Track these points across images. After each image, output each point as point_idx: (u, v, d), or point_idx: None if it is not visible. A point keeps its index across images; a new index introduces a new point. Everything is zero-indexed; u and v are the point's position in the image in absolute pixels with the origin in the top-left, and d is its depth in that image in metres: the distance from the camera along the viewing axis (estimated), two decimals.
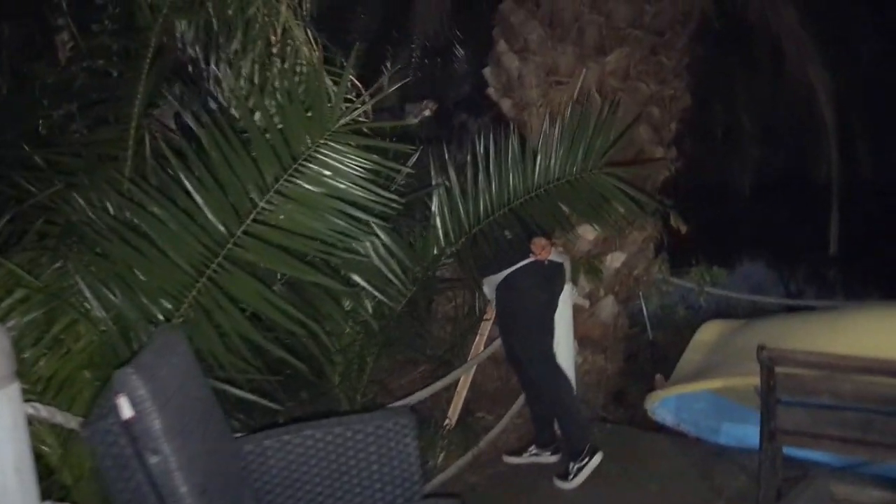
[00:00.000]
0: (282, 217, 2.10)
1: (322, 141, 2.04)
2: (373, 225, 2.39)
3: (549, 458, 3.78)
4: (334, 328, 2.88)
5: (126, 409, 1.72)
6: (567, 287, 4.16)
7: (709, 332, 4.13)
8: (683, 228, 4.21)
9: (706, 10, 5.11)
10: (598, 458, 3.53)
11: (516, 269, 3.32)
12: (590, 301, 4.62)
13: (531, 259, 3.29)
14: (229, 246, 2.11)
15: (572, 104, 4.33)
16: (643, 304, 5.50)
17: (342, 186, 2.10)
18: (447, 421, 3.98)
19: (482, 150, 3.12)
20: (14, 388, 2.10)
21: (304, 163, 2.06)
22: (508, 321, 3.55)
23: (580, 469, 3.50)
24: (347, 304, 2.90)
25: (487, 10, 5.06)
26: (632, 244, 4.74)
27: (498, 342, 4.04)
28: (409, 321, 3.57)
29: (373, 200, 2.19)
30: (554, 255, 3.44)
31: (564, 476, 3.54)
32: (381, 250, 2.71)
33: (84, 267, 2.13)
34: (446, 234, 3.17)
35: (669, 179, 4.95)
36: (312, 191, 2.09)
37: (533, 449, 3.82)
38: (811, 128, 6.26)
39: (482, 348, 4.13)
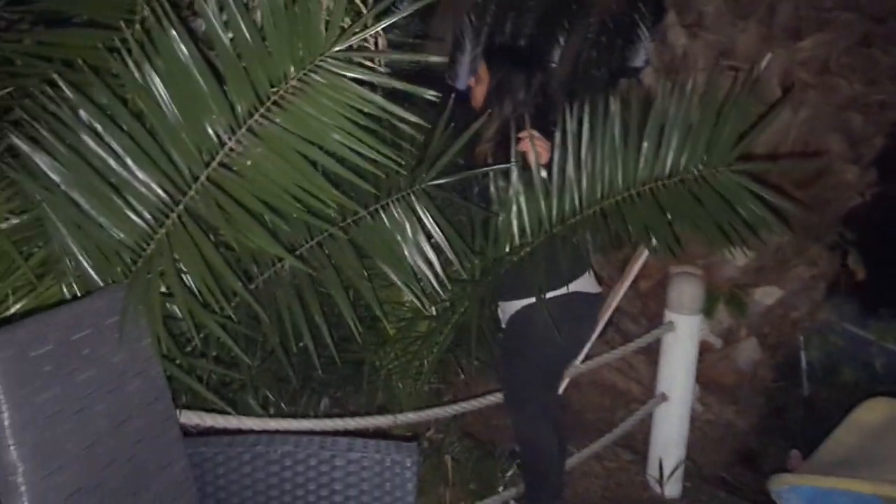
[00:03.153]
0: (248, 163, 1.55)
1: (307, 68, 1.46)
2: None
3: None
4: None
5: None
6: (696, 319, 3.38)
7: (873, 412, 3.15)
8: (860, 273, 3.22)
9: None
10: None
11: (535, 303, 2.44)
12: (725, 340, 3.76)
13: (562, 292, 2.47)
14: (190, 194, 1.60)
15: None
16: (802, 354, 4.50)
17: (333, 134, 1.50)
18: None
19: (573, 128, 2.37)
20: None
21: (286, 95, 1.49)
22: (508, 357, 2.70)
23: None
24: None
25: None
26: (794, 280, 3.80)
27: (595, 362, 3.34)
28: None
29: (370, 158, 1.56)
30: (588, 284, 2.56)
31: None
32: (410, 234, 2.05)
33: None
34: (522, 230, 2.46)
35: (860, 208, 3.92)
36: (291, 133, 1.51)
37: None
38: None
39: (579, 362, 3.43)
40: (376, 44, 1.73)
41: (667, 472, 3.45)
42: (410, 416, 2.73)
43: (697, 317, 3.39)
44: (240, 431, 2.21)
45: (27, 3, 2.10)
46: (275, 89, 1.53)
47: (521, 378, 2.66)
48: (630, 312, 3.98)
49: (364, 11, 1.57)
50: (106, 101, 1.54)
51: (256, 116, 1.55)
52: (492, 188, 2.48)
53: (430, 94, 1.62)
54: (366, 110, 1.52)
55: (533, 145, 2.36)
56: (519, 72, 2.59)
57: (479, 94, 2.63)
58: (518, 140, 2.39)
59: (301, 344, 2.11)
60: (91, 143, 1.58)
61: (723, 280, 3.68)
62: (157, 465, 1.72)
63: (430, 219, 2.10)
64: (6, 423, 1.30)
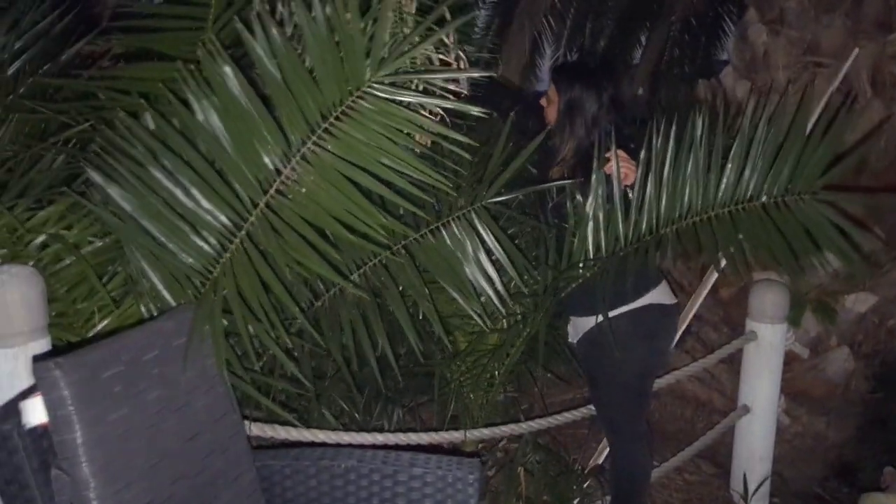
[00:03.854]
0: (303, 191, 1.59)
1: (355, 96, 1.49)
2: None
3: None
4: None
5: (36, 413, 1.37)
6: (779, 328, 3.25)
7: None
8: None
9: None
10: None
11: (616, 317, 2.40)
12: (815, 349, 3.60)
13: (635, 305, 2.42)
14: (251, 220, 1.67)
15: (831, 93, 3.33)
16: None
17: (382, 159, 1.53)
18: (596, 462, 3.30)
19: (658, 146, 2.31)
20: (42, 344, 1.89)
21: (335, 123, 1.53)
22: (591, 378, 2.66)
23: None
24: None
25: None
26: (889, 285, 3.60)
27: (675, 375, 3.26)
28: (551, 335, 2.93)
29: (421, 182, 1.57)
30: (662, 296, 2.49)
31: None
32: (471, 251, 2.06)
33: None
34: (597, 247, 2.43)
35: None
36: (342, 160, 1.54)
37: None
38: None
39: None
40: (447, 62, 1.75)
41: (751, 486, 3.33)
42: (484, 432, 2.75)
43: (781, 326, 3.26)
44: (311, 444, 2.29)
45: (109, 36, 2.24)
46: (325, 118, 1.58)
47: (608, 399, 2.63)
48: (711, 321, 3.86)
49: (410, 28, 1.59)
50: (170, 135, 1.63)
51: (309, 144, 1.60)
52: (567, 205, 2.46)
53: (477, 111, 1.63)
54: (414, 133, 1.54)
55: (617, 165, 2.33)
56: (589, 88, 2.55)
57: (551, 114, 2.60)
58: (606, 160, 2.36)
59: (369, 359, 2.17)
60: (158, 175, 1.67)
61: (810, 287, 3.52)
62: (226, 478, 1.80)
63: (491, 236, 2.11)
64: (79, 441, 1.39)
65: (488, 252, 2.13)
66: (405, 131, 1.57)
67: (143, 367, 1.57)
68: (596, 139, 2.45)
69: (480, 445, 3.22)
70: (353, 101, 1.54)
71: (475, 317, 2.11)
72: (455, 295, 2.07)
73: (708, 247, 2.14)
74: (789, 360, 3.60)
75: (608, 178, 2.35)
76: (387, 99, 1.52)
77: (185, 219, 1.73)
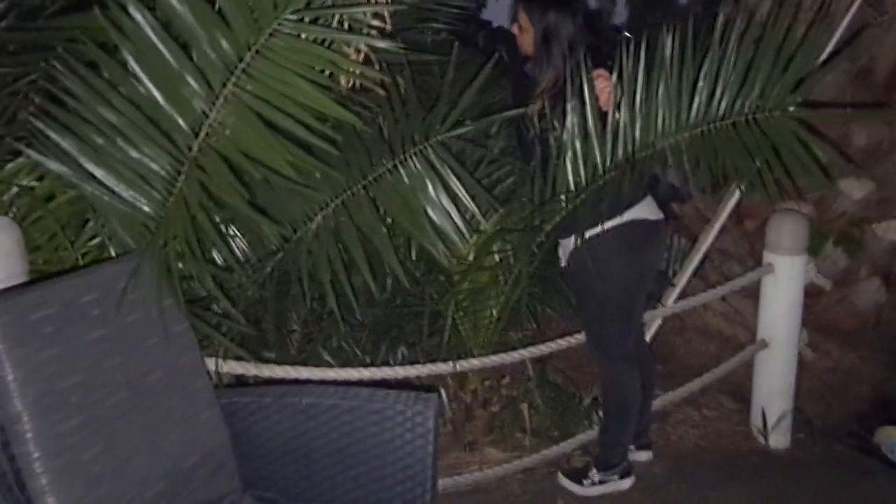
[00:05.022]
0: (228, 134, 1.60)
1: (266, 36, 1.47)
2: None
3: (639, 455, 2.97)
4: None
5: None
6: (798, 259, 3.11)
7: None
8: None
9: None
10: (627, 483, 2.78)
11: (593, 235, 2.41)
12: (844, 281, 3.43)
13: (618, 221, 2.39)
14: (184, 169, 1.70)
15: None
16: None
17: (299, 98, 1.52)
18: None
19: (630, 68, 2.22)
20: None
21: (251, 63, 1.53)
22: (580, 298, 2.68)
23: (601, 483, 2.76)
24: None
25: None
26: None
27: (688, 302, 3.20)
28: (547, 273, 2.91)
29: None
30: (647, 210, 2.45)
31: (578, 477, 2.79)
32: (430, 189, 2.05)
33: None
34: (577, 178, 2.38)
35: None
36: (262, 100, 1.55)
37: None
38: None
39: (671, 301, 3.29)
40: None
41: (770, 422, 3.26)
42: (473, 363, 2.77)
43: (800, 257, 3.13)
44: (317, 381, 2.38)
45: None
46: (241, 59, 1.58)
47: (595, 316, 2.64)
48: (736, 254, 3.73)
49: None
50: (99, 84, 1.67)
51: (229, 87, 1.61)
52: (550, 137, 2.42)
53: (386, 45, 1.60)
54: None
55: (592, 88, 2.28)
56: (563, 13, 2.46)
57: (526, 43, 2.54)
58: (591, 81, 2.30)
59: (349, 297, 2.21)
60: (97, 123, 1.72)
61: (836, 215, 3.34)
62: (184, 413, 1.88)
63: (449, 171, 2.09)
64: (9, 378, 1.48)
65: (447, 188, 2.11)
66: (320, 69, 1.55)
67: (81, 308, 1.64)
68: (574, 65, 2.38)
69: (486, 382, 3.24)
70: (265, 40, 1.54)
71: (436, 253, 2.10)
72: (413, 234, 2.07)
73: (688, 163, 2.06)
74: (815, 292, 3.46)
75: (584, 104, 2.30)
76: (296, 36, 1.51)
77: (128, 166, 1.78)
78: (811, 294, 3.50)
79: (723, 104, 2.06)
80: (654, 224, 2.51)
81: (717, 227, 3.28)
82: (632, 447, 2.91)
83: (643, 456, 2.99)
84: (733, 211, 3.59)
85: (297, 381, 2.42)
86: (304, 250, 2.10)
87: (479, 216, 2.18)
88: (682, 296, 3.33)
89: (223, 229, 2.25)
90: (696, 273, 3.90)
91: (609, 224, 2.40)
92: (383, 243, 2.06)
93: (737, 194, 3.20)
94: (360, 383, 2.69)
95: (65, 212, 2.16)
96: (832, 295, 3.45)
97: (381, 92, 1.86)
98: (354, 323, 3.11)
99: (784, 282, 3.14)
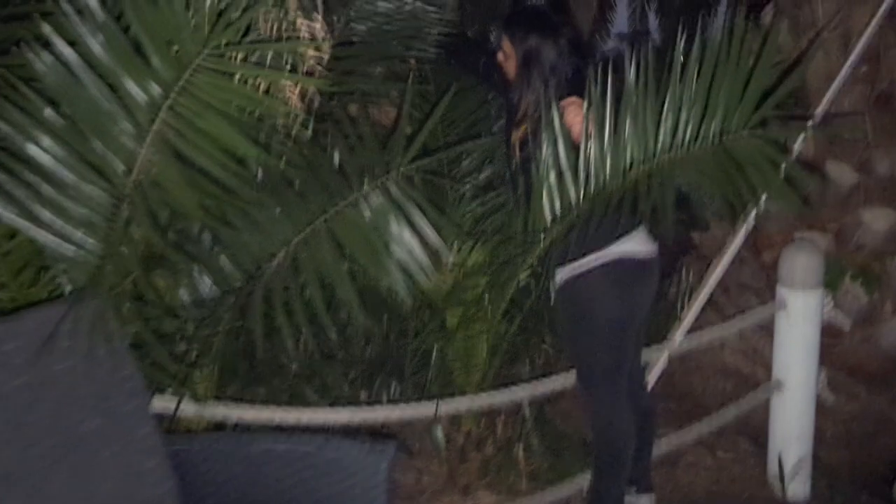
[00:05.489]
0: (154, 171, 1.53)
1: (189, 71, 1.39)
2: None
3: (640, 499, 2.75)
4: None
5: None
6: (813, 294, 2.91)
7: None
8: None
9: None
10: None
11: (586, 271, 2.27)
12: (867, 318, 3.21)
13: (607, 257, 2.25)
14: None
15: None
16: None
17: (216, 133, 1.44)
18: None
19: (598, 93, 2.07)
20: None
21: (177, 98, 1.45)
22: (567, 336, 2.55)
23: None
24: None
25: None
26: None
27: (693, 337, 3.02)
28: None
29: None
30: (641, 244, 2.31)
31: None
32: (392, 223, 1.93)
33: None
34: (553, 211, 2.22)
35: None
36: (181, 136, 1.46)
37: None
38: None
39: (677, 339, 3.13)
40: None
41: (787, 468, 3.04)
42: (459, 403, 2.66)
43: (815, 292, 2.93)
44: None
45: None
46: (166, 97, 1.51)
47: (582, 355, 2.49)
48: (754, 287, 3.53)
49: None
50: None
51: (156, 124, 1.54)
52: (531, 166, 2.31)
53: (286, 78, 1.51)
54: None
55: (564, 118, 2.16)
56: (546, 36, 2.35)
57: (510, 70, 2.44)
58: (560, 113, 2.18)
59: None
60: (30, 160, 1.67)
61: (856, 248, 3.13)
62: (123, 462, 1.80)
63: (413, 205, 1.99)
64: None
65: (412, 223, 2.00)
66: (239, 105, 1.48)
67: (1, 357, 1.58)
68: (555, 90, 2.27)
69: (483, 421, 3.11)
70: (189, 76, 1.47)
71: (400, 291, 2.00)
72: (370, 271, 1.97)
73: (656, 197, 1.92)
74: (837, 331, 3.24)
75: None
76: (217, 72, 1.44)
77: (66, 207, 1.73)
78: (832, 332, 3.28)
79: (688, 130, 1.91)
80: (644, 262, 2.36)
81: (727, 258, 3.09)
82: (632, 490, 2.73)
83: (644, 500, 2.81)
84: (751, 241, 3.42)
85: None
86: (262, 288, 2.01)
87: (444, 252, 2.06)
88: (694, 329, 3.16)
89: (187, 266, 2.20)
90: (711, 306, 3.72)
91: (595, 260, 2.27)
92: (340, 280, 1.96)
93: (750, 223, 3.02)
94: (330, 429, 2.62)
95: (27, 249, 2.13)
96: (855, 333, 3.22)
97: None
98: (344, 359, 3.04)
99: (798, 319, 2.94)
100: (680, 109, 1.88)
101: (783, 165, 1.72)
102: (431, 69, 2.92)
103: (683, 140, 1.91)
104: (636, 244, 2.32)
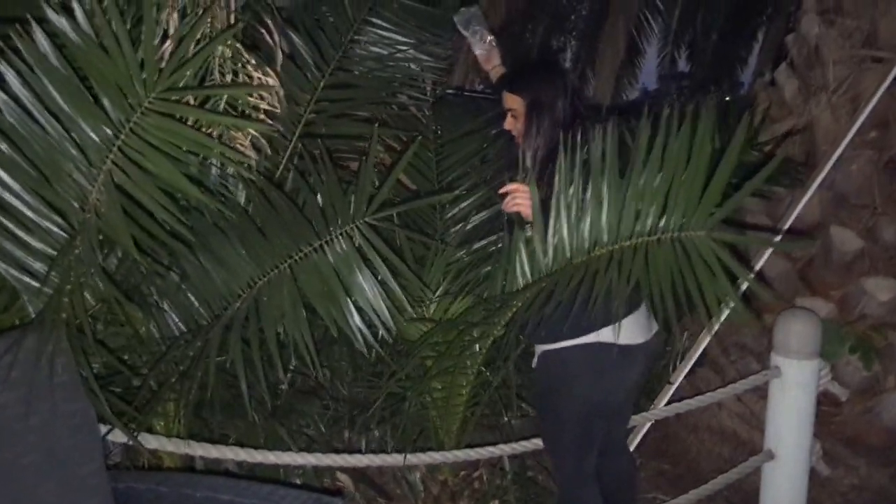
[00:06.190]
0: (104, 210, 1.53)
1: (138, 113, 1.39)
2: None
3: None
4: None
5: None
6: (808, 364, 2.80)
7: None
8: None
9: None
10: None
11: (563, 349, 2.19)
12: (868, 390, 3.08)
13: (588, 340, 2.16)
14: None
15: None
16: None
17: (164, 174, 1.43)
18: None
19: (564, 179, 1.98)
20: None
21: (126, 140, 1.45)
22: (538, 406, 2.45)
23: None
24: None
25: None
26: None
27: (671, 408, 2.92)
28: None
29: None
30: (629, 332, 2.18)
31: None
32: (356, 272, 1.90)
33: None
34: (524, 278, 2.16)
35: None
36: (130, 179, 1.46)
37: None
38: None
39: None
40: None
41: None
42: (428, 457, 2.58)
43: (811, 362, 2.81)
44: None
45: None
46: (117, 136, 1.52)
47: (552, 431, 2.41)
48: (755, 351, 3.42)
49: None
50: None
51: (107, 164, 1.55)
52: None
53: (253, 130, 1.50)
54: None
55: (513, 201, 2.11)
56: (549, 90, 2.31)
57: (518, 126, 2.38)
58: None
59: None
60: None
61: (858, 317, 3.02)
62: (61, 500, 1.78)
63: (376, 255, 1.97)
64: None
65: (374, 274, 1.98)
66: (188, 150, 1.48)
67: None
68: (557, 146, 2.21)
69: (462, 473, 3.04)
70: (137, 119, 1.48)
71: (358, 342, 1.97)
72: (327, 321, 1.95)
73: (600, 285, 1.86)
74: (837, 400, 3.13)
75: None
76: (165, 115, 1.44)
77: (22, 240, 1.74)
78: (833, 401, 3.16)
79: (649, 220, 1.83)
80: (628, 349, 2.22)
81: (717, 322, 3.00)
82: None
83: None
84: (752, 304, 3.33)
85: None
86: (223, 326, 2.00)
87: (406, 304, 2.03)
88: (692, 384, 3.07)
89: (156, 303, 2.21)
90: (711, 366, 3.62)
91: (577, 341, 2.18)
92: (297, 325, 1.94)
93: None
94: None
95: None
96: (855, 405, 3.09)
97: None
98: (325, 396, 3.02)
99: (792, 388, 2.82)
100: (642, 198, 1.80)
101: (737, 275, 1.63)
102: (430, 115, 2.93)
103: (644, 230, 1.83)
104: (623, 332, 2.15)
